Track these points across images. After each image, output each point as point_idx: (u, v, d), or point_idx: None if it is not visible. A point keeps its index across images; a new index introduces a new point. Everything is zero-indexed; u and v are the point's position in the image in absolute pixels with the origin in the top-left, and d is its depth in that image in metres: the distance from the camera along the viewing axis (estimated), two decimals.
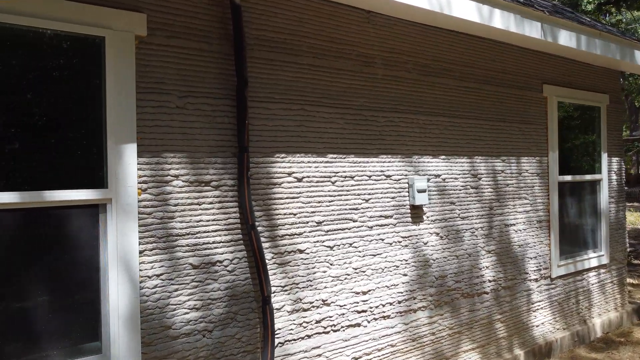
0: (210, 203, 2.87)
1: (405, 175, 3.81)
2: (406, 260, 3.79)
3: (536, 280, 4.87)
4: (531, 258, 4.81)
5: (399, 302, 3.74)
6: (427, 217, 3.94)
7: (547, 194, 5.00)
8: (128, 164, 2.57)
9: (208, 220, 2.86)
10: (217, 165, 2.90)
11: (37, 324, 2.38)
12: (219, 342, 2.89)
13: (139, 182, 2.62)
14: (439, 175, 4.04)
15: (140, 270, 2.62)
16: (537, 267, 4.87)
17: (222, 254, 2.91)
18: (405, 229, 3.79)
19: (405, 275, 3.78)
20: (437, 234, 4.01)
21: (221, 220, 2.91)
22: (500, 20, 3.95)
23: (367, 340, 3.56)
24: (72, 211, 2.47)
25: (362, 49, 3.57)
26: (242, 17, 2.90)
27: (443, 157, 4.07)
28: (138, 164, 2.62)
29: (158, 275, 2.69)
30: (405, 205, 3.80)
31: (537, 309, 4.88)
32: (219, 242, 2.90)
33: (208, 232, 2.86)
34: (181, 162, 2.77)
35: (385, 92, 3.69)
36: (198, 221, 2.83)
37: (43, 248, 2.40)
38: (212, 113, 2.88)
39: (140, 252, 2.63)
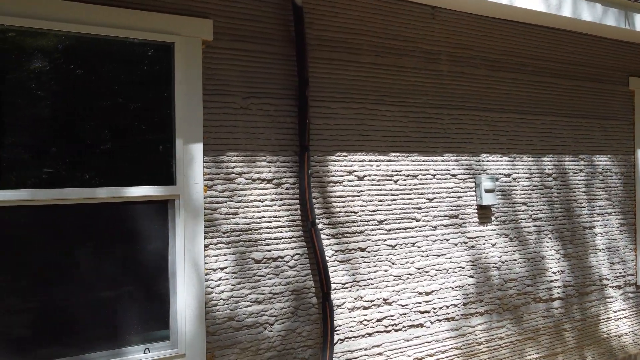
0: (272, 200, 2.96)
1: (472, 174, 3.70)
2: (472, 262, 3.68)
3: (619, 287, 4.54)
4: (613, 263, 4.50)
5: (465, 305, 3.65)
6: (496, 217, 3.81)
7: (634, 196, 4.65)
8: (195, 163, 2.71)
9: (270, 217, 2.96)
10: (279, 163, 2.98)
11: (114, 311, 2.57)
12: (279, 336, 2.97)
13: (205, 180, 2.76)
14: (508, 175, 3.88)
15: (205, 263, 2.76)
16: (620, 273, 4.54)
17: (283, 249, 2.99)
18: (471, 229, 3.69)
19: (471, 277, 3.67)
20: (507, 235, 3.86)
21: (283, 217, 2.99)
22: (571, 8, 3.73)
23: (429, 342, 3.50)
24: (144, 206, 2.65)
25: (426, 45, 3.51)
26: (303, 19, 2.96)
27: (514, 155, 3.91)
28: (204, 162, 2.76)
29: (222, 269, 2.81)
30: (471, 205, 3.69)
31: (619, 319, 4.55)
32: (281, 238, 2.98)
33: (270, 228, 2.95)
34: (245, 161, 2.88)
35: (450, 89, 3.61)
36: (260, 217, 2.93)
37: (118, 240, 2.59)
38: (275, 113, 2.97)
39: (206, 246, 2.77)
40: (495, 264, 3.80)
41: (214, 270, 2.79)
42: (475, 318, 3.69)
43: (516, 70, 3.93)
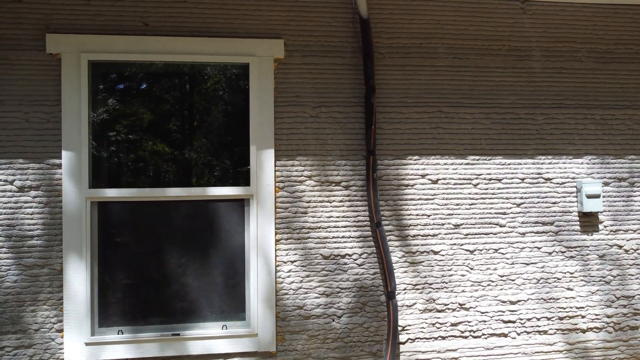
0: (340, 201, 3.18)
1: (572, 178, 3.40)
2: (571, 273, 3.39)
3: None
4: None
5: (560, 319, 3.37)
6: (605, 226, 3.43)
7: None
8: (267, 166, 3.08)
9: (338, 217, 3.18)
10: (347, 167, 3.19)
11: (199, 291, 3.09)
12: (346, 328, 3.18)
13: (276, 182, 3.12)
14: (624, 179, 3.46)
15: (276, 256, 3.11)
16: None
17: (351, 248, 3.19)
18: (570, 238, 3.39)
19: (569, 289, 3.38)
20: (621, 246, 3.44)
21: (350, 217, 3.19)
22: None
23: (515, 354, 3.34)
24: (225, 204, 3.11)
25: (514, 42, 3.35)
26: (370, 30, 3.12)
27: (631, 157, 3.47)
28: (276, 166, 3.11)
29: (292, 262, 3.14)
30: (571, 212, 3.39)
31: None
32: (348, 237, 3.19)
33: (338, 227, 3.18)
34: (314, 164, 3.16)
35: (544, 87, 3.37)
36: (328, 217, 3.17)
37: (204, 232, 3.09)
38: (344, 120, 3.18)
39: (277, 241, 3.12)
40: (604, 277, 3.42)
41: (284, 262, 3.13)
42: (575, 334, 3.38)
43: (633, 61, 3.47)
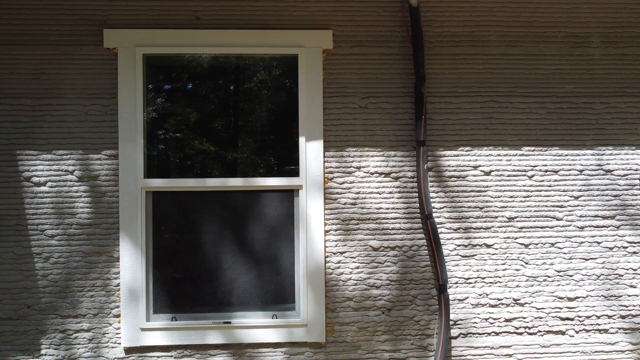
0: (390, 193, 3.15)
1: (635, 170, 3.23)
2: (634, 270, 3.22)
3: None
4: None
5: (623, 317, 3.21)
6: None
7: None
8: (316, 157, 3.09)
9: (388, 208, 3.15)
10: (397, 158, 3.15)
11: (251, 280, 3.12)
12: (396, 321, 3.13)
13: (325, 172, 3.11)
14: None
15: (325, 247, 3.11)
16: None
17: (401, 240, 3.15)
18: (634, 233, 3.22)
19: (632, 286, 3.21)
20: None
21: (400, 208, 3.15)
22: None
23: (574, 352, 3.20)
24: (276, 194, 3.13)
25: (571, 28, 3.22)
26: (420, 18, 3.08)
27: None
28: (325, 156, 3.11)
29: (341, 253, 3.12)
30: (634, 206, 3.23)
31: None
32: (399, 229, 3.15)
33: (387, 219, 3.14)
34: (362, 155, 3.13)
35: (604, 75, 3.23)
36: (378, 208, 3.14)
37: (256, 221, 3.12)
38: (392, 110, 3.15)
39: (326, 232, 3.11)
40: None
41: (334, 253, 3.12)
42: (638, 334, 3.21)
43: None
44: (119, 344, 3.04)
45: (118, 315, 3.04)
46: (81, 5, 3.07)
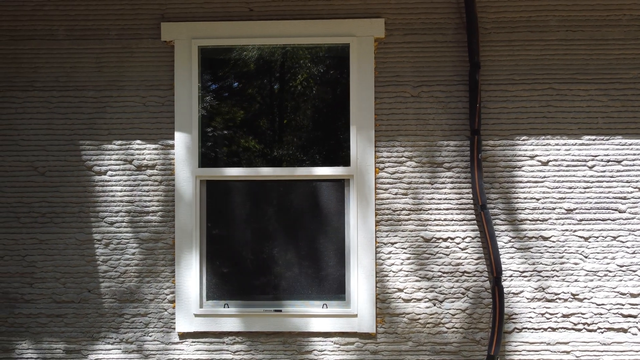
0: (442, 183, 3.09)
1: None
2: None
3: None
4: None
5: None
6: None
7: None
8: (367, 147, 3.07)
9: (440, 199, 3.09)
10: (450, 147, 3.09)
11: (302, 269, 3.14)
12: (448, 313, 3.08)
13: (376, 162, 3.09)
14: None
15: (376, 237, 3.09)
16: None
17: (453, 231, 3.09)
18: None
19: None
20: None
21: (453, 199, 3.09)
22: None
23: (636, 351, 3.05)
24: (324, 184, 3.14)
25: (636, 11, 3.07)
26: (475, 4, 3.00)
27: None
28: (376, 146, 3.09)
29: (392, 244, 3.09)
30: None
31: None
32: (451, 220, 3.09)
33: (439, 209, 3.09)
34: (414, 145, 3.09)
35: None
36: (430, 199, 3.09)
37: (307, 211, 3.14)
38: (446, 99, 3.09)
39: (377, 222, 3.09)
40: None
41: (385, 244, 3.09)
42: None
43: None
44: (174, 329, 3.13)
45: (173, 301, 3.12)
46: (141, 1, 3.17)
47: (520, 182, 3.08)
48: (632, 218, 3.06)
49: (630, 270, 3.05)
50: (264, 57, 3.18)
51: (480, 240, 3.08)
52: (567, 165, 3.07)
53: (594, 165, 3.07)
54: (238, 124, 3.20)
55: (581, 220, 3.06)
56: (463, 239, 3.09)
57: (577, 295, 3.06)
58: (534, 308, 3.07)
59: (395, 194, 3.10)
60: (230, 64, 3.21)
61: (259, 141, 3.19)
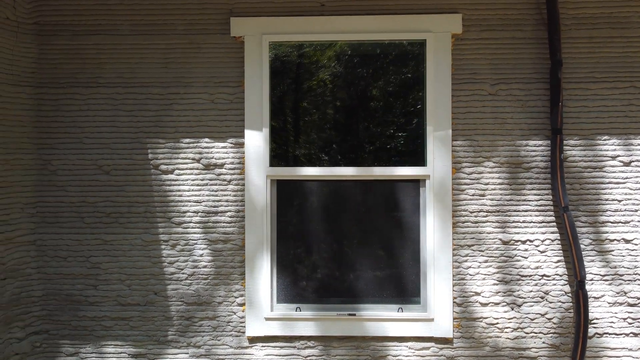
0: (521, 184, 3.00)
1: None
2: None
3: None
4: None
5: None
6: None
7: None
8: (443, 146, 2.98)
9: (519, 200, 3.00)
10: (529, 147, 3.00)
11: (377, 272, 3.05)
12: (527, 318, 2.99)
13: (453, 162, 3.00)
14: None
15: (453, 239, 2.99)
16: None
17: (532, 233, 2.99)
18: None
19: None
20: None
21: (532, 200, 3.00)
22: None
23: None
24: (399, 184, 3.05)
25: None
26: (557, 0, 2.92)
27: None
28: (452, 146, 3.00)
29: (469, 246, 3.00)
30: None
31: None
32: (530, 222, 3.00)
33: (518, 211, 3.00)
34: (492, 145, 3.00)
35: None
36: (508, 200, 3.00)
37: (378, 213, 3.05)
38: (524, 97, 3.00)
39: (454, 223, 3.00)
40: None
41: (461, 246, 3.00)
42: None
43: None
44: (243, 332, 3.03)
45: (243, 304, 3.03)
46: None
47: (602, 183, 2.99)
48: None
49: None
50: (336, 53, 3.09)
51: (560, 242, 2.99)
52: None
53: None
54: (308, 122, 3.11)
55: None
56: (542, 241, 2.99)
57: None
58: (616, 313, 2.98)
59: (473, 195, 3.01)
60: (301, 62, 3.11)
61: (331, 140, 3.10)
